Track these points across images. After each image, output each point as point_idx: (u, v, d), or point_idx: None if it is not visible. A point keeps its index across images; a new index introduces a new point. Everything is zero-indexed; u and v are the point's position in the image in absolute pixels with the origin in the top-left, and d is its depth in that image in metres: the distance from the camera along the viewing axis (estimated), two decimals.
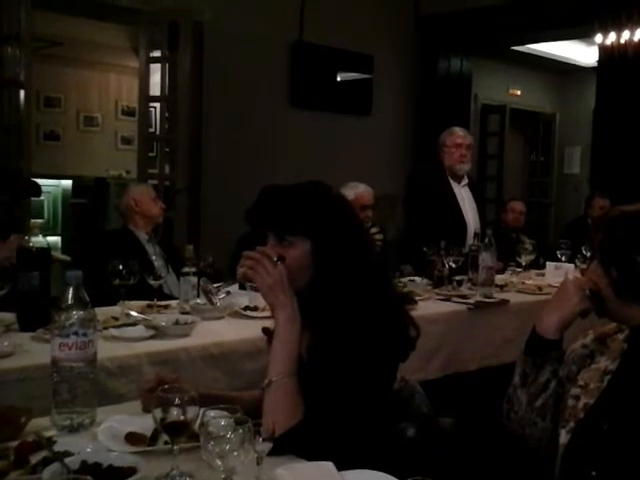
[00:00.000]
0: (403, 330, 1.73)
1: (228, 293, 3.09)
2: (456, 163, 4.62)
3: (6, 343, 2.36)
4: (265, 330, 1.90)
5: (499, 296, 3.75)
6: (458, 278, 3.84)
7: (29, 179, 4.90)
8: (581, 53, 9.46)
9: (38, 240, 2.58)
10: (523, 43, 8.71)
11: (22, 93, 5.36)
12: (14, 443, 1.47)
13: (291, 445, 1.53)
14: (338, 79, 7.03)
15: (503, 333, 3.56)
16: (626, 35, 6.40)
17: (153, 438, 1.60)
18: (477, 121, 9.59)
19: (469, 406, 2.72)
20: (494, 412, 1.76)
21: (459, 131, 4.72)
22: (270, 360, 1.68)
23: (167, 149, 6.41)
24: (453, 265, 3.85)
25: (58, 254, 3.01)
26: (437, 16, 7.49)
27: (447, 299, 3.63)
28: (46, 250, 2.60)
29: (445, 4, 7.30)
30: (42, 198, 8.94)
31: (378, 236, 4.55)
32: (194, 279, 3.11)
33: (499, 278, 4.02)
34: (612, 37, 6.47)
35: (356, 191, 4.52)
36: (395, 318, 1.73)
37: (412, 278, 3.92)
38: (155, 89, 6.31)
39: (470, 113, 8.47)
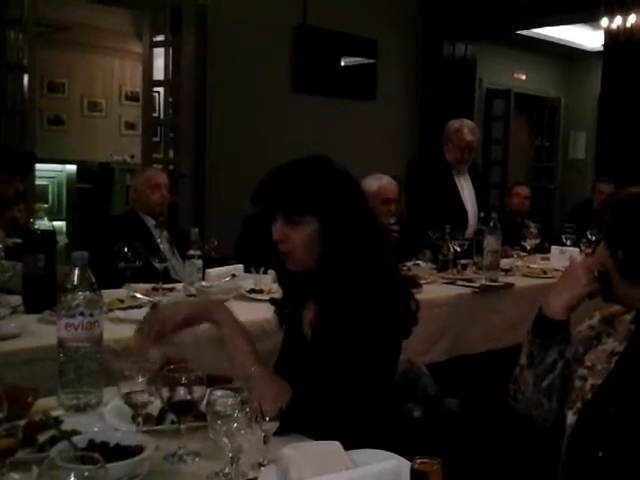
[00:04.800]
0: (405, 306, 1.73)
1: (233, 276, 3.13)
2: (456, 163, 4.61)
3: (12, 325, 2.37)
4: (272, 300, 1.94)
5: (504, 280, 3.75)
6: (463, 262, 3.84)
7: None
8: (587, 37, 9.41)
9: (43, 223, 2.58)
10: (528, 27, 8.65)
11: (26, 78, 5.36)
12: (22, 422, 1.48)
13: (295, 422, 1.53)
14: (342, 63, 6.99)
15: (508, 316, 3.56)
16: (632, 19, 6.35)
17: (160, 417, 1.61)
18: (482, 106, 9.55)
19: (475, 388, 2.72)
20: (500, 393, 1.76)
21: (467, 133, 4.57)
22: (235, 360, 1.67)
23: (171, 134, 6.41)
24: (458, 249, 3.85)
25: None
26: (442, 0, 7.45)
27: (452, 283, 3.63)
28: (51, 233, 2.60)
29: None
30: (46, 183, 8.97)
31: (395, 227, 4.47)
32: (199, 262, 3.12)
33: (504, 262, 4.02)
34: (618, 21, 6.43)
35: (380, 183, 4.30)
36: (397, 294, 1.73)
37: (417, 262, 3.92)
38: (159, 74, 6.31)
39: (475, 98, 8.44)
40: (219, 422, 1.34)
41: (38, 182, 6.65)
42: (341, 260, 1.69)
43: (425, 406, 1.80)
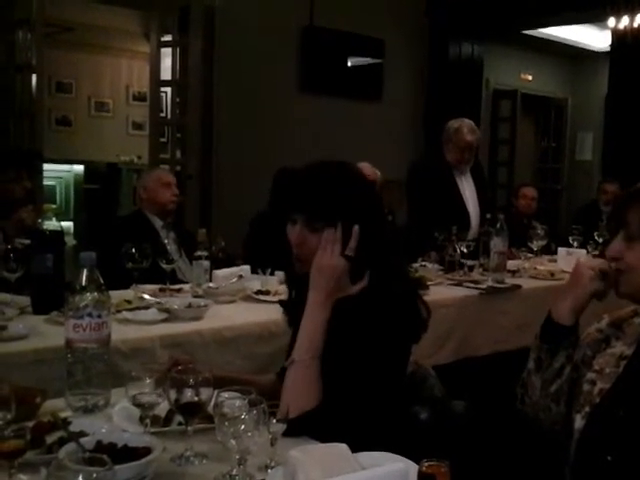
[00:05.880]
0: (416, 311, 1.73)
1: (240, 277, 3.13)
2: (457, 163, 4.58)
3: (20, 325, 2.38)
4: (281, 302, 1.94)
5: (511, 281, 3.74)
6: (470, 263, 3.83)
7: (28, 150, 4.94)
8: (594, 37, 9.39)
9: (52, 223, 2.59)
10: (535, 27, 8.64)
11: (34, 78, 5.38)
12: (30, 423, 1.48)
13: (305, 427, 1.54)
14: (349, 64, 6.99)
15: (515, 318, 3.55)
16: (639, 19, 6.34)
17: (167, 419, 1.61)
18: (488, 106, 9.54)
19: (482, 390, 2.72)
20: (507, 396, 1.76)
21: (467, 133, 4.53)
22: (297, 339, 1.69)
23: (178, 134, 6.42)
24: (464, 250, 3.84)
25: None
26: (448, 1, 7.44)
27: (459, 284, 3.62)
28: (60, 233, 2.61)
29: None
30: (54, 183, 8.99)
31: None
32: (206, 263, 3.12)
33: (511, 264, 4.01)
34: (625, 21, 6.41)
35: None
36: (408, 299, 1.73)
37: (423, 263, 3.92)
38: (166, 74, 6.32)
39: (481, 98, 8.43)
40: (226, 424, 1.34)
41: (46, 182, 6.68)
42: (355, 266, 1.69)
43: (432, 408, 1.80)
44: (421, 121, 7.66)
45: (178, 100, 6.47)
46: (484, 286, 3.59)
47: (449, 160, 4.59)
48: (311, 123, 6.54)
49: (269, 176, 4.06)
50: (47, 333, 2.34)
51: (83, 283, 1.68)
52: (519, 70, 10.05)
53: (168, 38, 6.34)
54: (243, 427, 1.33)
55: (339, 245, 1.67)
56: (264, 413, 1.35)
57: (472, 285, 3.59)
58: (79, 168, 9.32)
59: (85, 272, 1.69)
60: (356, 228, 1.67)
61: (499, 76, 9.63)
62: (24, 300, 2.64)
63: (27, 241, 2.75)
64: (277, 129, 6.34)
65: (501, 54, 9.35)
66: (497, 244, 3.71)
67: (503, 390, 1.90)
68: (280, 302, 1.97)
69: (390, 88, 7.26)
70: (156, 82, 6.38)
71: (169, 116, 6.90)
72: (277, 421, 1.41)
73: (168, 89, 6.69)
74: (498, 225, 3.73)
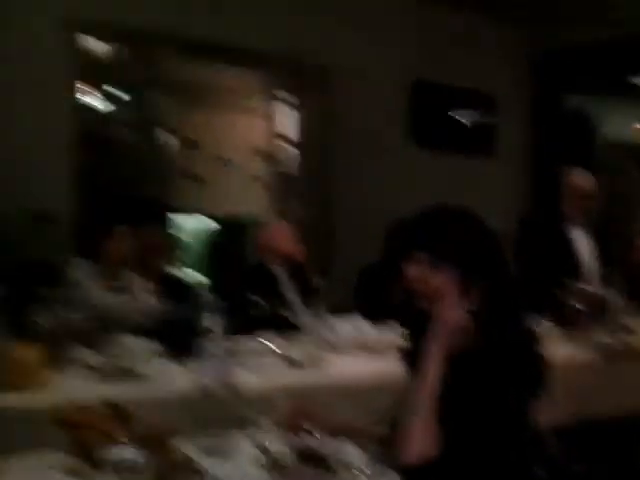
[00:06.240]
0: (536, 368, 1.73)
1: (358, 327, 3.18)
2: (573, 214, 4.48)
3: (151, 370, 2.51)
4: (400, 349, 1.95)
5: (631, 340, 3.61)
6: (588, 320, 3.71)
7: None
8: None
9: (183, 273, 2.74)
10: None
11: (166, 136, 5.71)
12: (160, 462, 1.56)
13: (422, 478, 1.55)
14: (459, 118, 7.03)
15: (636, 380, 3.42)
16: None
17: (288, 465, 1.65)
18: (601, 159, 9.30)
19: (604, 453, 2.63)
20: (631, 461, 1.72)
21: (583, 183, 4.46)
22: (415, 389, 1.68)
23: (299, 189, 6.63)
24: (582, 308, 3.73)
25: None
26: (556, 54, 7.34)
27: (577, 342, 3.52)
28: (191, 282, 2.77)
29: (564, 39, 7.14)
30: (184, 235, 9.41)
31: None
32: (325, 313, 3.17)
33: (631, 321, 3.86)
34: None
35: None
36: (528, 356, 1.73)
37: (539, 320, 3.83)
38: (285, 130, 6.58)
39: (594, 151, 8.25)
40: (345, 472, 1.38)
41: (177, 234, 6.96)
42: (478, 321, 1.70)
43: (550, 469, 1.77)
44: (532, 175, 7.56)
45: (296, 154, 6.69)
46: (603, 346, 3.48)
47: (564, 211, 4.50)
48: (424, 177, 6.59)
49: (384, 227, 4.14)
50: (178, 377, 2.44)
51: (211, 330, 1.78)
52: (633, 122, 9.76)
53: (286, 96, 6.61)
54: (361, 476, 1.36)
55: (463, 298, 1.68)
56: (381, 462, 1.39)
57: (591, 344, 3.49)
58: (206, 220, 9.71)
59: (213, 319, 1.79)
60: (483, 285, 1.69)
61: (612, 128, 9.38)
62: (157, 345, 2.77)
63: (161, 288, 2.91)
64: (392, 183, 6.41)
65: (614, 106, 9.12)
66: (617, 301, 3.60)
67: (626, 455, 1.85)
68: (398, 350, 1.99)
69: (502, 143, 7.23)
70: (275, 138, 6.64)
71: (288, 170, 7.12)
72: (394, 471, 1.44)
73: (287, 144, 6.93)
74: (616, 281, 3.62)
